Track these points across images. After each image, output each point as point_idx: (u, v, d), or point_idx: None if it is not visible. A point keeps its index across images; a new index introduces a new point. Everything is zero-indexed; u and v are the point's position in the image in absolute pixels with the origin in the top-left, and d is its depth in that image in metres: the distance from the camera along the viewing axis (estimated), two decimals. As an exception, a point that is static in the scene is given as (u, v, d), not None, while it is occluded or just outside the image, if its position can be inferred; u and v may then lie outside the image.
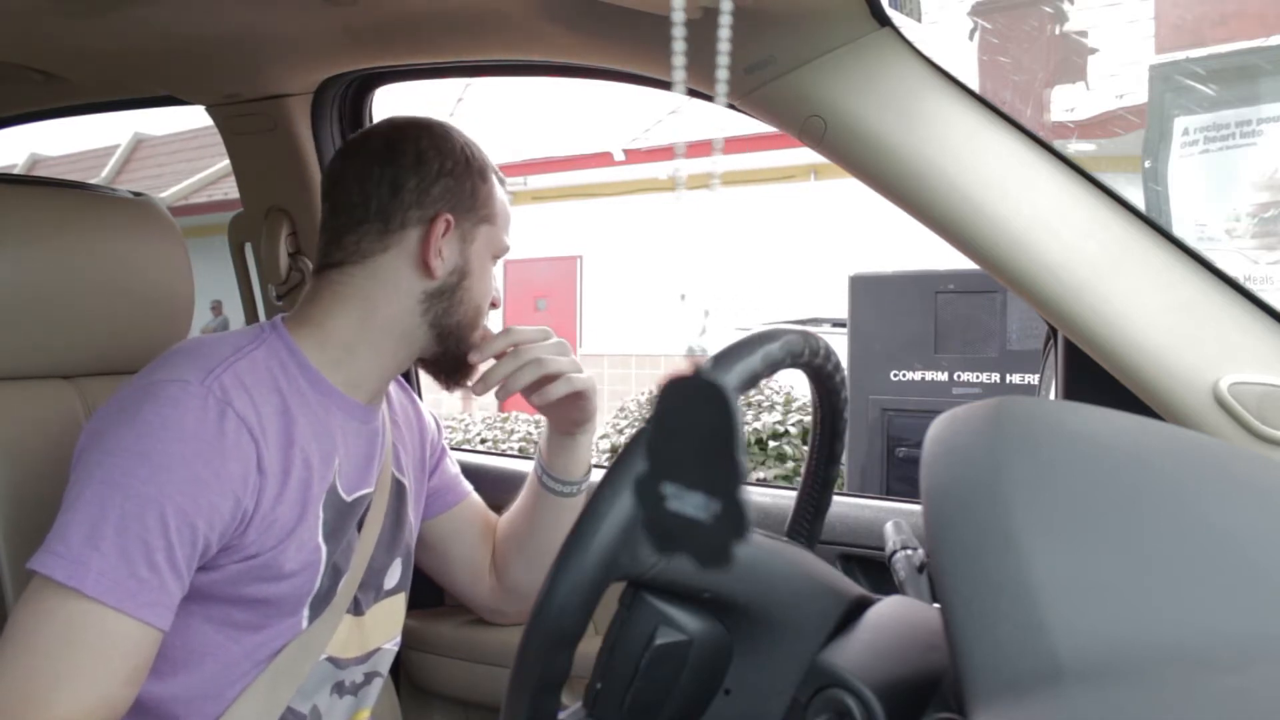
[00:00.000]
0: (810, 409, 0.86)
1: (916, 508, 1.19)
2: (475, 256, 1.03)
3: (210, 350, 0.93)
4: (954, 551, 0.46)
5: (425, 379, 1.30)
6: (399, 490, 1.11)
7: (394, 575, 1.11)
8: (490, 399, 1.07)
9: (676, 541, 0.36)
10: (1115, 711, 0.38)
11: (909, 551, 0.85)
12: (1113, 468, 0.49)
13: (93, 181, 1.31)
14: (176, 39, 1.20)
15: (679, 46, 0.31)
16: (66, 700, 0.80)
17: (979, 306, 3.40)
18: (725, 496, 0.35)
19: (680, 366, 0.36)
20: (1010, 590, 0.43)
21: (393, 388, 1.16)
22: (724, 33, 0.31)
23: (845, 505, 1.23)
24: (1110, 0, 5.39)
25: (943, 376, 3.46)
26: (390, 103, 1.39)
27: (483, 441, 5.84)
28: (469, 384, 1.08)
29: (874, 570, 1.20)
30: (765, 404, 5.02)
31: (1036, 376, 1.44)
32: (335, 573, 0.99)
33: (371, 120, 1.49)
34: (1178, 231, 1.03)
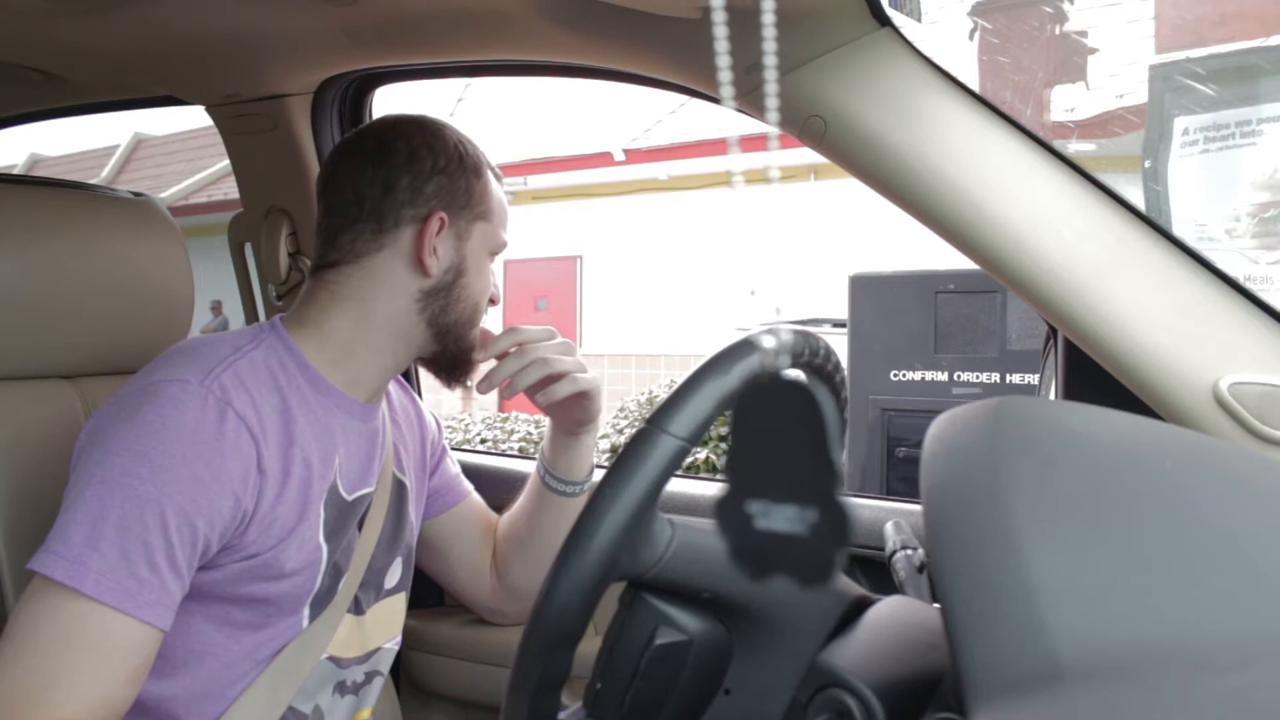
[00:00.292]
0: (810, 409, 0.85)
1: (916, 508, 1.19)
2: (471, 254, 1.03)
3: (210, 350, 0.93)
4: (954, 551, 0.46)
5: (426, 378, 1.30)
6: (400, 489, 1.11)
7: (394, 574, 1.11)
8: (490, 398, 1.07)
9: (773, 564, 0.33)
10: (1115, 711, 0.38)
11: (909, 551, 0.85)
12: (1113, 468, 0.49)
13: (93, 181, 1.31)
14: (176, 39, 1.20)
15: (722, 46, 0.30)
16: (67, 700, 0.80)
17: (979, 306, 3.40)
18: (822, 502, 0.32)
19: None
20: (1010, 590, 0.43)
21: (393, 387, 1.16)
22: (767, 30, 0.30)
23: (845, 505, 1.23)
24: (1110, 0, 5.39)
25: (943, 376, 3.46)
26: (390, 103, 1.39)
27: (483, 441, 5.84)
28: (470, 382, 1.08)
29: (874, 570, 1.20)
30: (765, 404, 5.01)
31: (1036, 376, 1.45)
32: (336, 572, 0.99)
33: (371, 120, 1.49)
34: (1178, 231, 1.03)
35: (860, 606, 0.72)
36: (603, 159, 10.30)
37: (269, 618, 0.95)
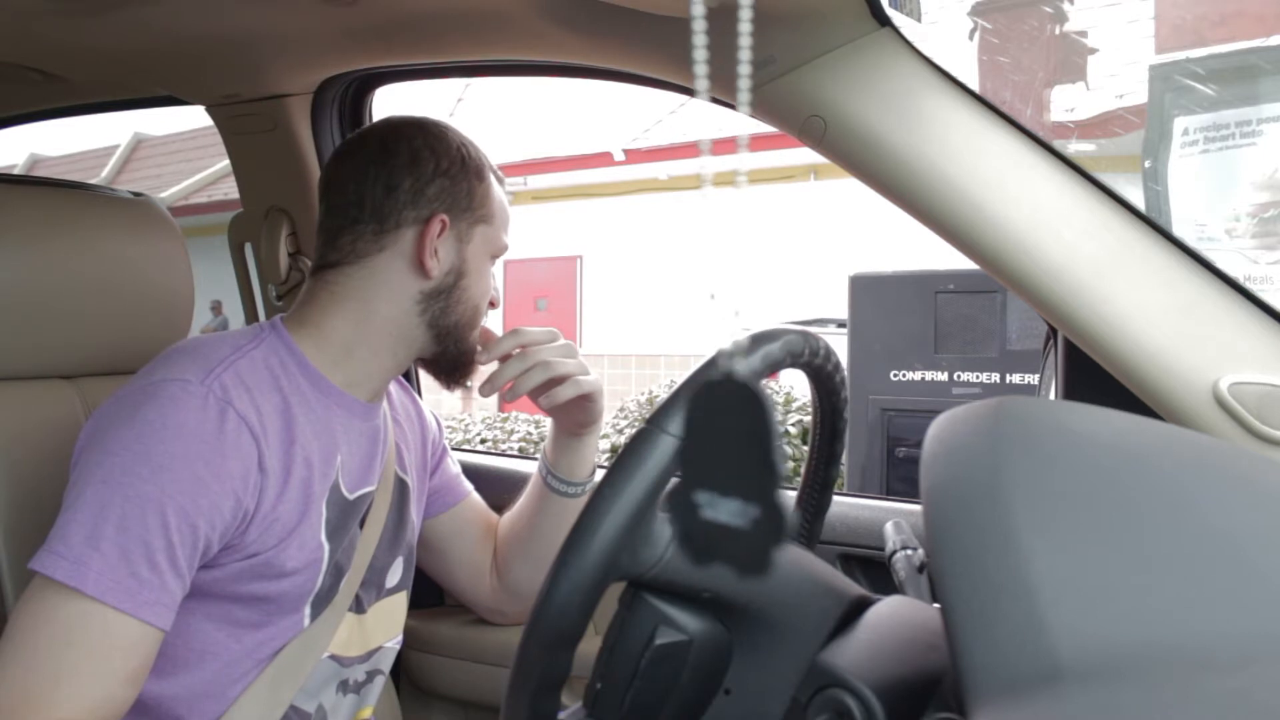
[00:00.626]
0: (810, 409, 0.86)
1: (916, 508, 1.19)
2: (472, 256, 1.03)
3: (210, 350, 0.93)
4: (954, 551, 0.46)
5: (425, 379, 1.30)
6: (401, 488, 1.11)
7: (396, 573, 1.11)
8: (490, 398, 1.07)
9: (715, 552, 0.35)
10: (1114, 711, 0.38)
11: (909, 551, 0.85)
12: (1112, 467, 0.49)
13: (93, 181, 1.31)
14: (176, 39, 1.20)
15: (700, 41, 0.30)
16: (67, 700, 0.80)
17: (979, 306, 3.39)
18: (762, 500, 0.34)
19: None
20: (1010, 590, 0.43)
21: (393, 387, 1.16)
22: (745, 26, 0.30)
23: (845, 505, 1.23)
24: (1110, 0, 5.39)
25: (943, 376, 3.45)
26: (390, 103, 1.39)
27: (483, 441, 5.83)
28: (470, 384, 1.08)
29: (874, 570, 1.20)
30: (765, 404, 5.01)
31: (1036, 376, 1.44)
32: (337, 571, 0.99)
33: (371, 120, 1.49)
34: (1178, 231, 1.03)
35: (860, 606, 0.72)
36: (603, 159, 10.30)
37: (270, 617, 0.95)
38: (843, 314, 3.88)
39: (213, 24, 1.15)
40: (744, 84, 0.30)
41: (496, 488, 1.33)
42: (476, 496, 1.26)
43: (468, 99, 11.79)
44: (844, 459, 1.05)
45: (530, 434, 5.74)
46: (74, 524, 0.83)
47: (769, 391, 0.33)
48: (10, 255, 1.07)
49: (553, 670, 0.60)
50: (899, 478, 3.48)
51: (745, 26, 0.30)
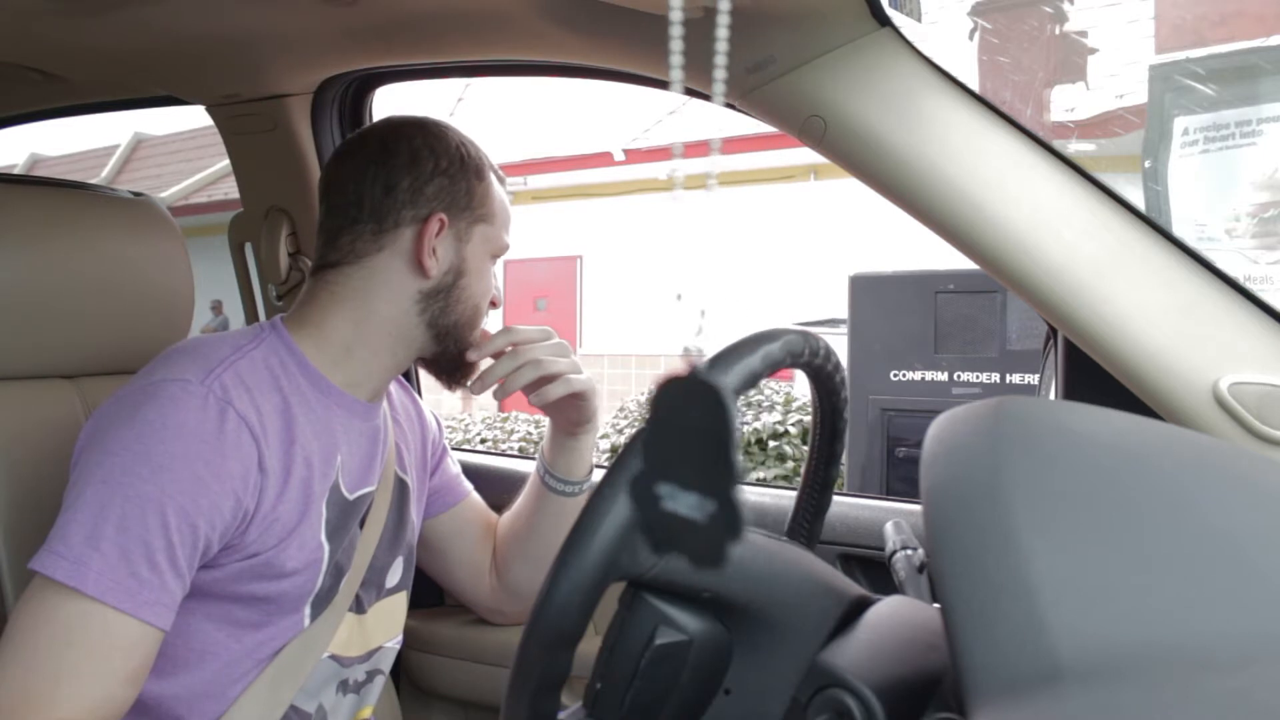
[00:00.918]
0: (810, 409, 0.86)
1: (916, 508, 1.19)
2: (472, 256, 1.03)
3: (210, 350, 0.93)
4: (954, 551, 0.46)
5: (425, 378, 1.30)
6: (401, 488, 1.11)
7: (396, 573, 1.11)
8: (491, 398, 1.07)
9: (672, 542, 0.36)
10: (1114, 711, 0.38)
11: (909, 551, 0.85)
12: (1112, 467, 0.49)
13: (93, 181, 1.31)
14: (176, 39, 1.20)
15: (676, 45, 0.31)
16: (67, 700, 0.80)
17: (979, 306, 3.39)
18: (720, 497, 0.35)
19: (676, 367, 0.36)
20: (1010, 590, 0.43)
21: (393, 387, 1.16)
22: (722, 32, 0.31)
23: (845, 505, 1.23)
24: (1110, 0, 5.40)
25: (943, 376, 3.45)
26: (390, 103, 1.39)
27: (483, 441, 5.83)
28: (469, 383, 1.08)
29: (874, 570, 1.20)
30: (765, 404, 5.02)
31: (1036, 376, 1.44)
32: (337, 571, 0.99)
33: (371, 120, 1.49)
34: (1178, 231, 1.03)
35: (860, 606, 0.72)
36: (603, 159, 10.30)
37: (270, 616, 0.95)
38: (843, 315, 3.88)
39: (213, 24, 1.15)
40: (720, 74, 0.31)
41: (496, 488, 1.33)
42: (476, 496, 1.26)
43: (468, 99, 11.79)
44: (844, 459, 1.05)
45: (530, 434, 5.74)
46: (74, 524, 0.83)
47: (731, 395, 0.35)
48: (10, 255, 1.07)
49: (553, 670, 0.60)
50: (899, 478, 3.48)
51: (723, 19, 0.30)
